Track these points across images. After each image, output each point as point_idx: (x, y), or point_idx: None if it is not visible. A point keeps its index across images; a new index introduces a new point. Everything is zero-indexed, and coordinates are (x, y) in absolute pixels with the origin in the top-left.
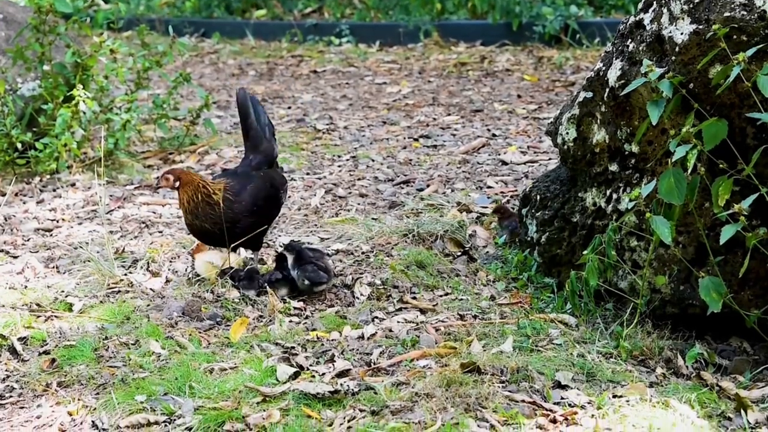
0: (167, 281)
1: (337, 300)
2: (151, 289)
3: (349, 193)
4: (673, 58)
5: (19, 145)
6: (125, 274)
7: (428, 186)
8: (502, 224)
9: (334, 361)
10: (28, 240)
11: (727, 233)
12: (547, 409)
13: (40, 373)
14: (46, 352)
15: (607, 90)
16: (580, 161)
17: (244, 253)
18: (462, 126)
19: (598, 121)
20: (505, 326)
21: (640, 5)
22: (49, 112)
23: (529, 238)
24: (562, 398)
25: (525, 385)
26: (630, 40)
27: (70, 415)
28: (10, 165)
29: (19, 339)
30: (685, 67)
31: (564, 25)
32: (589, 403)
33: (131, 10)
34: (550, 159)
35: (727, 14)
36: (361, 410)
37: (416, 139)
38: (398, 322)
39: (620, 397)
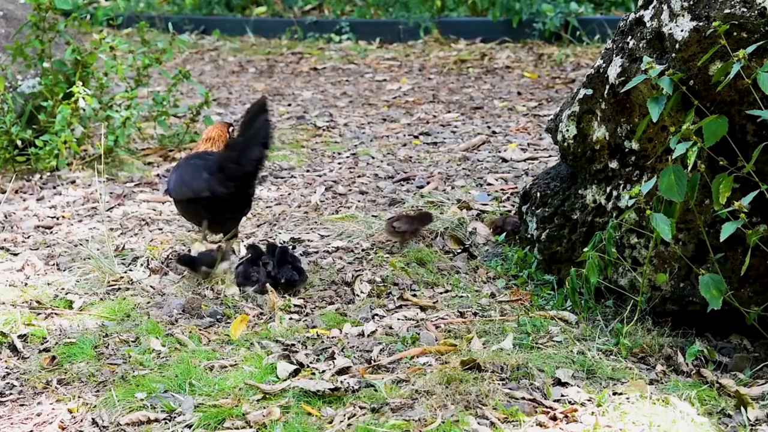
0: (166, 277)
1: (337, 297)
2: (151, 286)
3: (349, 190)
4: (674, 55)
5: (19, 143)
6: (125, 272)
7: (428, 183)
8: (503, 228)
9: (335, 359)
10: (28, 237)
11: (727, 230)
12: (547, 407)
13: (41, 371)
14: (47, 350)
15: (608, 87)
16: (581, 158)
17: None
18: (462, 123)
19: (599, 118)
20: (505, 323)
21: (640, 2)
22: (48, 109)
23: (529, 236)
24: (563, 395)
25: (525, 383)
26: (630, 37)
27: (71, 412)
28: (10, 162)
29: (20, 336)
30: (686, 64)
31: (564, 22)
32: (589, 400)
33: (131, 7)
34: (550, 156)
35: (727, 11)
36: (361, 407)
37: (416, 137)
38: (398, 319)
39: (620, 394)
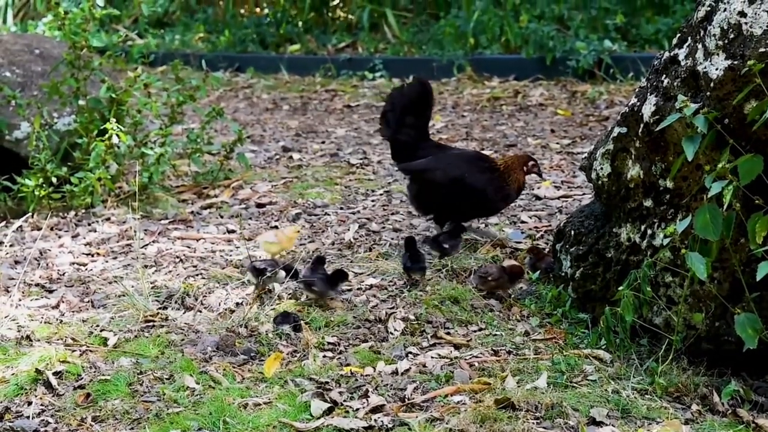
0: (200, 314)
1: (370, 335)
2: (185, 323)
3: (383, 227)
4: (708, 93)
5: (54, 180)
6: (160, 309)
7: None
8: (536, 265)
9: (368, 397)
10: (63, 274)
11: (763, 270)
12: None
13: (75, 408)
14: (81, 387)
15: (642, 125)
16: (615, 197)
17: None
18: None
19: (633, 156)
20: (540, 362)
21: (674, 41)
22: (83, 146)
23: (563, 274)
24: None
25: (560, 422)
26: (664, 76)
27: None
28: (45, 199)
29: (54, 373)
30: (720, 103)
31: (597, 60)
32: None
33: (165, 45)
34: (584, 194)
35: (762, 50)
36: None
37: None
38: (432, 357)
39: None
